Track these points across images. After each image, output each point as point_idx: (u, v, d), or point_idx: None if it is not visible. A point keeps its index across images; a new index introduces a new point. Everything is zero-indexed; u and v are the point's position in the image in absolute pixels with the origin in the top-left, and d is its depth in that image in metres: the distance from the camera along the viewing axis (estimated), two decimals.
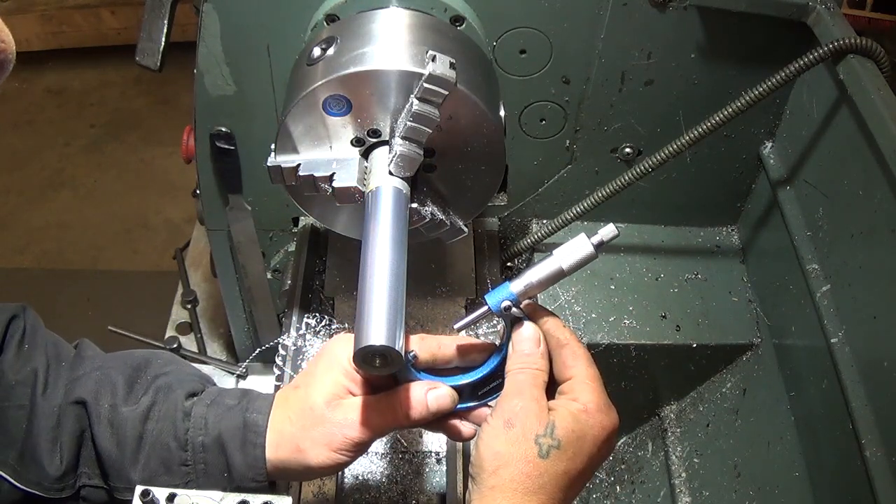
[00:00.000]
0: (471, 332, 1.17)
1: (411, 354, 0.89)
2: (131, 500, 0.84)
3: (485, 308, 0.87)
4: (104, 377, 0.89)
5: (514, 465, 0.77)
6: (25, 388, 0.86)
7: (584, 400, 0.81)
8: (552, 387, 0.86)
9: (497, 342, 0.93)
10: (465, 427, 0.91)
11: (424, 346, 0.90)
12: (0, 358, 0.87)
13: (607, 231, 0.83)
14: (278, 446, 0.87)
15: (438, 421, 0.91)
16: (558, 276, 0.85)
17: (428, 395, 0.87)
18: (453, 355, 0.91)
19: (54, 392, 0.87)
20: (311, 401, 0.87)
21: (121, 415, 0.87)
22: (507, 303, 0.86)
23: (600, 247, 0.83)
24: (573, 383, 0.83)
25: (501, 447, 0.78)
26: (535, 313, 0.88)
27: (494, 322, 1.25)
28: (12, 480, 0.85)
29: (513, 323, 0.88)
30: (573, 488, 0.79)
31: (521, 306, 0.87)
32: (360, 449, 0.86)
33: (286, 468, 0.88)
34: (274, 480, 0.90)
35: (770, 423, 1.30)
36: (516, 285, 0.86)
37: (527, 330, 0.87)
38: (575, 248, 0.84)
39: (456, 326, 0.88)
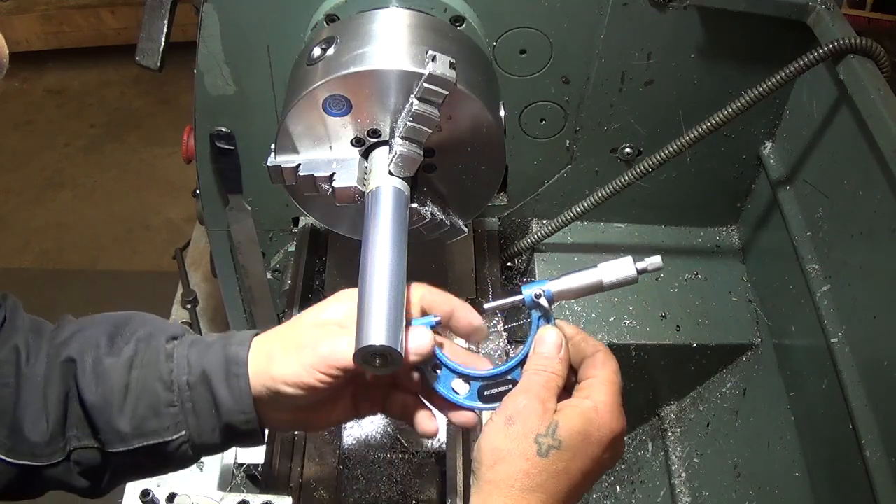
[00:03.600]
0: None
1: (435, 319, 0.87)
2: (122, 452, 0.85)
3: (518, 297, 0.86)
4: (87, 336, 0.89)
5: (512, 461, 0.76)
6: (9, 366, 0.86)
7: (597, 399, 0.81)
8: (566, 394, 0.85)
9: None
10: (429, 423, 0.90)
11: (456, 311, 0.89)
12: None
13: (654, 261, 0.85)
14: (254, 361, 0.86)
15: (410, 406, 0.91)
16: (596, 288, 0.86)
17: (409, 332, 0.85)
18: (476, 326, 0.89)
19: (37, 361, 0.87)
20: (297, 318, 0.88)
21: (104, 366, 0.86)
22: (538, 290, 0.85)
23: (642, 272, 0.85)
24: (592, 381, 0.83)
25: (500, 443, 0.78)
26: (564, 327, 0.87)
27: (494, 322, 1.25)
28: (7, 458, 0.84)
29: (538, 323, 0.87)
30: (577, 489, 0.78)
31: (551, 304, 0.86)
32: (329, 374, 0.83)
33: (260, 390, 0.86)
34: (264, 426, 0.89)
35: (770, 423, 1.30)
36: (553, 284, 0.86)
37: (550, 334, 0.86)
38: (619, 267, 0.85)
39: (486, 306, 0.88)
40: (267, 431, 0.92)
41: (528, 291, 0.86)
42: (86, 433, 0.86)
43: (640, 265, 0.85)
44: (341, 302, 0.89)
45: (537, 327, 0.87)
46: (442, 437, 1.16)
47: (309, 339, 0.85)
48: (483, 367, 0.90)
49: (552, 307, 0.87)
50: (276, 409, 0.88)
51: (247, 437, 0.89)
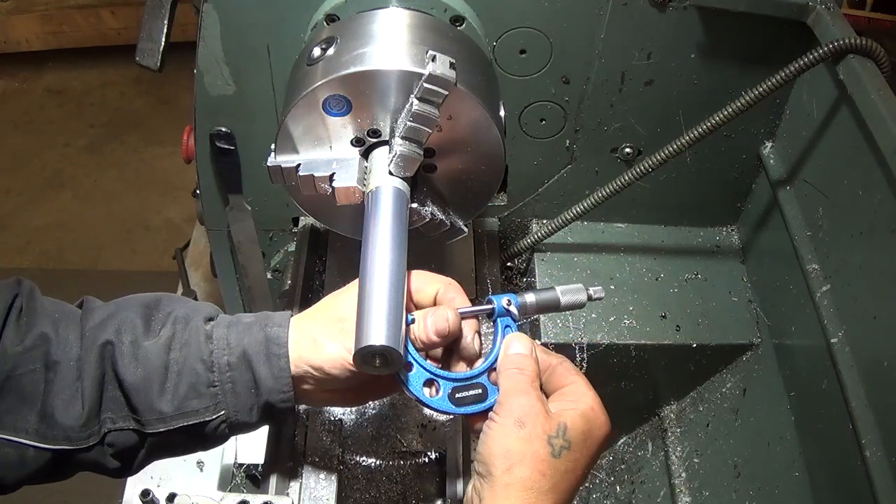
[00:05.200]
0: None
1: (409, 318, 0.89)
2: (161, 433, 0.86)
3: (489, 306, 0.91)
4: (122, 318, 0.89)
5: (528, 464, 0.78)
6: (37, 351, 0.86)
7: (589, 401, 0.84)
8: None
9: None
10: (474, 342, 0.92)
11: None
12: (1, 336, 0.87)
13: (598, 290, 0.96)
14: (297, 343, 0.88)
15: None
16: (554, 306, 0.94)
17: (426, 318, 0.88)
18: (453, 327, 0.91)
19: (70, 345, 0.87)
20: (334, 303, 0.90)
21: (143, 348, 0.87)
22: (507, 299, 0.91)
23: (590, 299, 0.95)
24: (574, 388, 0.85)
25: (514, 445, 0.79)
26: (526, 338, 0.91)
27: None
28: (37, 444, 0.84)
29: (504, 332, 0.90)
30: (576, 486, 0.81)
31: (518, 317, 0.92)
32: None
33: (304, 370, 0.88)
34: (299, 402, 0.92)
35: (770, 423, 1.30)
36: (520, 295, 0.92)
37: (519, 336, 0.89)
38: (572, 291, 0.94)
39: (460, 310, 0.90)
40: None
41: (498, 301, 0.92)
42: (121, 415, 0.87)
43: (589, 292, 0.95)
44: None
45: (503, 335, 0.90)
46: (442, 437, 1.16)
47: (351, 323, 0.86)
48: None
49: (521, 317, 0.92)
50: (316, 388, 0.90)
51: (281, 415, 0.91)
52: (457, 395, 0.88)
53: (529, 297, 0.92)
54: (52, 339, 0.86)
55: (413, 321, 0.89)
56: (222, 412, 0.87)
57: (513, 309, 0.91)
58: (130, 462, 0.90)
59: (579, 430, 0.80)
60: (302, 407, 1.17)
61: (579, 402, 0.83)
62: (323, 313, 0.91)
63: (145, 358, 0.86)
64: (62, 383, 0.85)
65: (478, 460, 0.81)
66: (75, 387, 0.85)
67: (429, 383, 0.87)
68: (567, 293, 0.93)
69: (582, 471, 0.81)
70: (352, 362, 0.84)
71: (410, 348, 0.87)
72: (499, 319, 0.91)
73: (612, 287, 1.41)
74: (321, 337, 0.88)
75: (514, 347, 0.88)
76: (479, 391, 0.87)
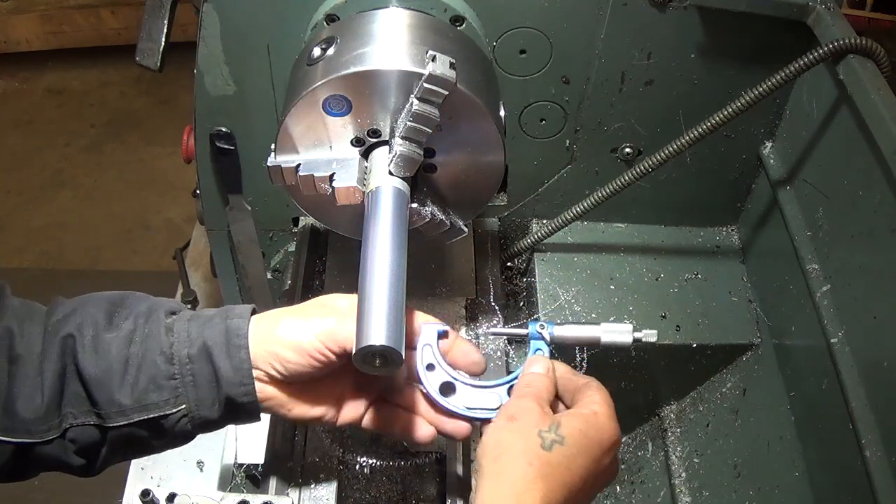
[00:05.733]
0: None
1: (442, 329, 0.93)
2: (121, 427, 0.86)
3: (524, 330, 0.95)
4: (85, 313, 0.89)
5: (515, 454, 0.78)
6: (0, 345, 0.86)
7: (594, 408, 0.84)
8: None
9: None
10: (425, 428, 0.93)
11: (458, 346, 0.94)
12: None
13: (650, 333, 0.95)
14: (257, 332, 0.88)
15: (401, 417, 0.94)
16: (594, 343, 0.95)
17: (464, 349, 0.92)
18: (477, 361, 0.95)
19: (33, 340, 0.87)
20: (301, 304, 0.92)
21: (104, 342, 0.86)
22: (542, 325, 0.94)
23: (636, 342, 0.94)
24: (587, 399, 0.86)
25: (503, 436, 0.80)
26: (557, 364, 0.93)
27: (495, 322, 1.25)
28: (1, 437, 0.84)
29: (534, 354, 0.94)
30: (577, 489, 0.79)
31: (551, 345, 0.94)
32: (327, 348, 0.86)
33: (260, 355, 0.88)
34: (264, 407, 0.91)
35: (770, 423, 1.30)
36: (558, 328, 0.95)
37: (540, 359, 0.92)
38: (618, 330, 0.94)
39: (491, 332, 0.98)
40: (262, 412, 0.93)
41: (533, 325, 0.94)
42: (83, 410, 0.87)
43: (637, 335, 0.94)
44: (345, 297, 0.92)
45: (534, 354, 0.94)
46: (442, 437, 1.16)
47: (314, 313, 0.89)
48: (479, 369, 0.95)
49: (551, 346, 0.95)
50: (264, 379, 0.89)
51: (244, 413, 0.91)
52: (470, 402, 0.91)
53: (568, 330, 0.94)
54: (15, 333, 0.86)
55: (446, 333, 0.93)
56: (183, 406, 0.87)
57: (546, 334, 0.94)
58: (94, 460, 0.90)
59: (575, 427, 0.80)
60: None
61: (584, 407, 0.84)
62: (286, 308, 0.92)
63: (106, 351, 0.86)
64: (24, 377, 0.85)
65: (474, 458, 0.83)
66: (37, 380, 0.85)
67: (446, 386, 0.91)
68: (610, 333, 0.94)
69: (578, 470, 0.79)
70: (307, 345, 0.86)
71: (436, 352, 0.92)
72: (532, 342, 0.94)
73: (612, 287, 1.41)
74: (282, 318, 0.89)
75: (532, 367, 0.91)
76: (494, 401, 0.91)
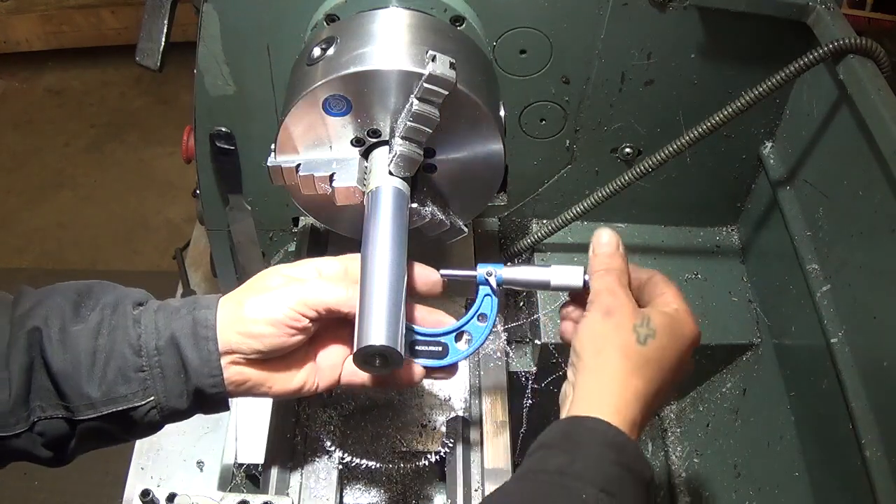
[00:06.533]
0: None
1: None
2: (90, 420, 0.85)
3: (472, 271, 0.93)
4: (51, 304, 0.88)
5: (615, 348, 0.82)
6: None
7: (675, 305, 0.89)
8: None
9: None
10: (415, 369, 0.94)
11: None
12: None
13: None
14: (223, 314, 0.89)
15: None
16: (544, 286, 0.94)
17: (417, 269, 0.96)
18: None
19: (0, 333, 0.86)
20: (261, 273, 0.93)
21: (71, 334, 0.86)
22: (490, 270, 0.93)
23: (586, 286, 0.92)
24: (663, 298, 0.90)
25: (601, 331, 0.84)
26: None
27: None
28: None
29: (483, 300, 0.93)
30: (662, 379, 0.84)
31: (500, 286, 0.94)
32: (300, 313, 0.87)
33: (229, 339, 0.88)
34: (233, 392, 0.91)
35: (770, 423, 1.30)
36: (507, 270, 0.94)
37: (605, 234, 0.92)
38: (569, 273, 0.93)
39: (441, 272, 0.95)
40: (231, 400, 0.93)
41: (482, 270, 0.93)
42: (51, 403, 0.86)
43: (587, 278, 0.92)
44: (307, 263, 0.95)
45: (482, 302, 0.93)
46: (442, 437, 1.16)
47: (279, 283, 0.90)
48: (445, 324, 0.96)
49: (500, 288, 0.94)
50: (240, 362, 0.89)
51: (213, 403, 0.91)
52: (416, 347, 0.92)
53: (515, 273, 0.94)
54: None
55: None
56: (151, 398, 0.86)
57: (492, 281, 0.93)
58: (62, 452, 0.90)
59: (664, 323, 0.85)
60: (301, 406, 1.17)
61: (666, 305, 0.88)
62: (249, 283, 0.93)
63: (73, 344, 0.85)
64: None
65: (572, 352, 0.86)
66: (4, 374, 0.84)
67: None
68: (559, 275, 0.93)
69: (668, 363, 0.84)
70: (278, 315, 0.87)
71: None
72: (480, 287, 0.94)
73: None
74: (248, 297, 0.89)
75: (601, 247, 0.92)
76: (440, 349, 0.92)
